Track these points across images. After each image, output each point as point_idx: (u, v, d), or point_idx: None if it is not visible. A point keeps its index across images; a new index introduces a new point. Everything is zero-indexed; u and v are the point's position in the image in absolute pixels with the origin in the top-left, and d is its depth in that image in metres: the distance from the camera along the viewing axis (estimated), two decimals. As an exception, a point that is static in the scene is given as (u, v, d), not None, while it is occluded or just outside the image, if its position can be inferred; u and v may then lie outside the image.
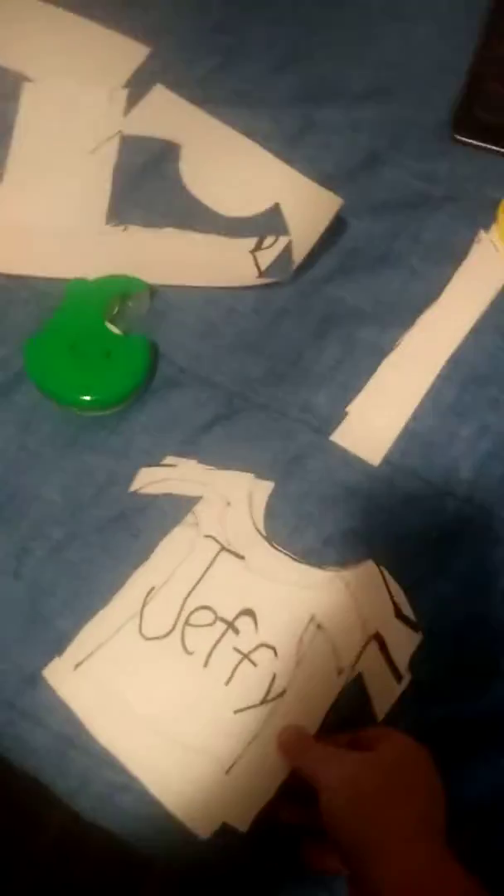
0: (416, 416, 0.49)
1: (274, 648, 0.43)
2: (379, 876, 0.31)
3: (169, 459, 0.48)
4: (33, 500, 0.47)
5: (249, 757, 0.41)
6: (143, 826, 0.41)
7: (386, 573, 0.44)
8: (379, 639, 0.43)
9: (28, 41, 0.60)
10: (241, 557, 0.45)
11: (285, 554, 0.45)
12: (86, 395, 0.47)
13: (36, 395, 0.49)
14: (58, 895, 0.53)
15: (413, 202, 0.56)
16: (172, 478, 0.47)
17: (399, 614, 0.43)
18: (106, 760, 0.41)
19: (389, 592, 0.44)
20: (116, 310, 0.50)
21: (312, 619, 0.43)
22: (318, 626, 0.43)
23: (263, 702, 0.42)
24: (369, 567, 0.44)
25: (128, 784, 0.41)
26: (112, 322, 0.50)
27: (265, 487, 0.47)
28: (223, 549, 0.45)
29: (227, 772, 0.41)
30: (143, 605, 0.44)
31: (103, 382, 0.48)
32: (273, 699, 0.42)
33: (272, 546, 0.45)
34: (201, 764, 0.41)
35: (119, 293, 0.50)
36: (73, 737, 0.42)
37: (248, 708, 0.42)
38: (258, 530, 0.45)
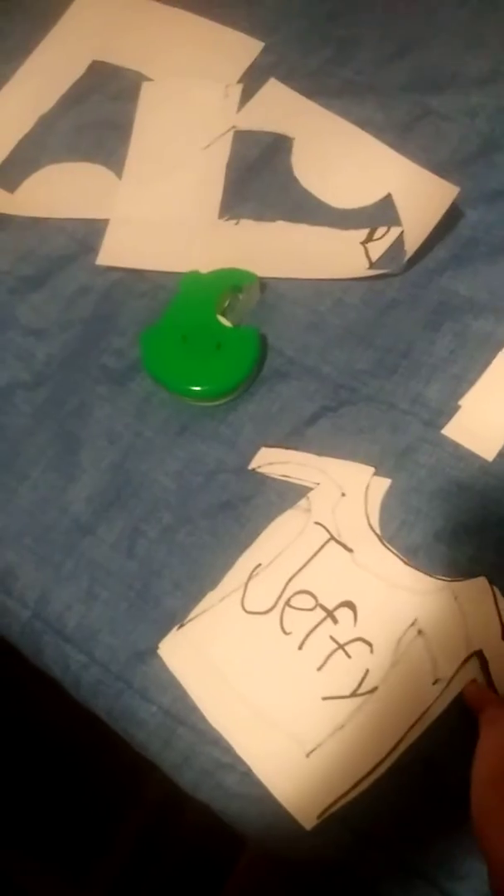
0: (532, 411, 0.47)
1: (371, 644, 0.42)
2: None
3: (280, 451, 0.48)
4: (147, 484, 0.49)
5: (331, 746, 0.41)
6: (243, 806, 0.42)
7: (497, 592, 0.43)
8: (481, 657, 0.41)
9: (146, 42, 0.63)
10: (350, 550, 0.45)
11: (396, 555, 0.44)
12: (197, 385, 0.49)
13: (150, 385, 0.51)
14: (154, 863, 0.55)
15: (531, 189, 0.54)
16: (292, 461, 0.47)
17: None
18: (211, 739, 0.42)
19: (499, 612, 0.42)
20: (227, 302, 0.51)
21: (414, 623, 0.42)
22: (419, 632, 0.42)
23: (353, 694, 0.42)
24: (481, 583, 0.43)
25: (231, 764, 0.42)
26: (223, 314, 0.51)
27: (383, 484, 0.46)
28: (332, 538, 0.45)
29: (308, 755, 0.41)
30: (248, 580, 0.45)
31: (214, 374, 0.49)
32: (363, 694, 0.41)
33: (384, 545, 0.45)
34: (283, 742, 0.41)
35: (231, 286, 0.51)
36: (182, 715, 0.43)
37: (337, 697, 0.42)
38: (371, 526, 0.45)
